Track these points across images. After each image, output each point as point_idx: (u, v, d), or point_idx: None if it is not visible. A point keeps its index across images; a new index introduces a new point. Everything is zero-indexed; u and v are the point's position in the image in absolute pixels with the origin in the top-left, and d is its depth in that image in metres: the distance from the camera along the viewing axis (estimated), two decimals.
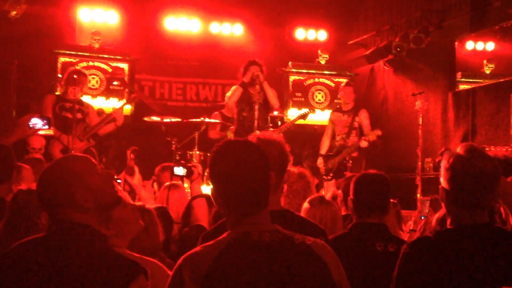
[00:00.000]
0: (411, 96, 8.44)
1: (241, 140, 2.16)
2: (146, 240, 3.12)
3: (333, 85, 11.02)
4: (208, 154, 5.87)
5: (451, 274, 2.23)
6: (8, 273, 2.14)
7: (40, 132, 6.37)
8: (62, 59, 9.80)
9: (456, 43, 9.42)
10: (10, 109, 8.82)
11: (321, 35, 11.73)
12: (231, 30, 11.25)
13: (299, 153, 9.77)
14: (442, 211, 3.37)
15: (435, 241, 2.32)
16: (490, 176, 2.29)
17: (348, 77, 10.76)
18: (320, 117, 10.39)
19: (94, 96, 9.91)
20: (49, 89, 9.36)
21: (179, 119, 8.30)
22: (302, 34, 11.68)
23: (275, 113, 8.41)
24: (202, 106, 11.05)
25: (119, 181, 5.19)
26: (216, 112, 8.83)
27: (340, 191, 4.23)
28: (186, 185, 5.48)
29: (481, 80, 9.35)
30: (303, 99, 10.89)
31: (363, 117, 8.59)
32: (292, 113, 9.93)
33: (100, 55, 10.11)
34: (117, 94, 10.08)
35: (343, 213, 3.98)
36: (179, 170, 4.63)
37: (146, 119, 8.39)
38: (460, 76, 9.56)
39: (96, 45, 10.02)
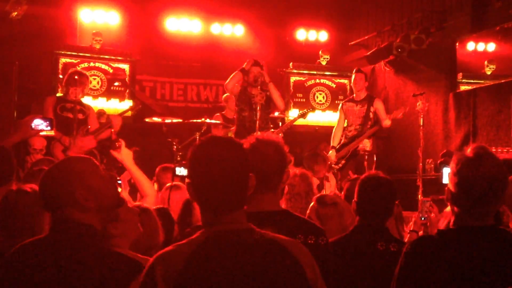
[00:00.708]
0: (412, 96, 8.41)
1: (224, 138, 2.13)
2: (144, 239, 3.12)
3: (334, 85, 11.04)
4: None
5: (453, 273, 2.22)
6: (13, 273, 2.17)
7: (41, 133, 6.36)
8: (63, 60, 9.81)
9: (457, 44, 9.43)
10: (11, 110, 8.83)
11: (322, 36, 11.74)
12: (232, 30, 11.26)
13: (299, 153, 9.76)
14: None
15: (437, 240, 2.32)
16: (498, 184, 2.28)
17: (349, 78, 10.75)
18: (321, 117, 10.39)
19: (95, 97, 9.92)
20: (50, 90, 9.37)
21: (180, 120, 8.30)
22: (303, 35, 11.69)
23: (276, 113, 8.38)
24: (203, 107, 11.06)
25: (119, 181, 5.19)
26: (218, 114, 8.83)
27: (341, 194, 4.23)
28: None
29: (482, 81, 9.36)
30: (304, 100, 10.90)
31: (379, 106, 8.49)
32: (293, 114, 9.92)
33: (101, 56, 10.12)
34: (118, 95, 10.08)
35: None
36: (181, 171, 4.64)
37: (147, 120, 8.38)
38: (461, 77, 9.57)
39: (97, 46, 10.03)
